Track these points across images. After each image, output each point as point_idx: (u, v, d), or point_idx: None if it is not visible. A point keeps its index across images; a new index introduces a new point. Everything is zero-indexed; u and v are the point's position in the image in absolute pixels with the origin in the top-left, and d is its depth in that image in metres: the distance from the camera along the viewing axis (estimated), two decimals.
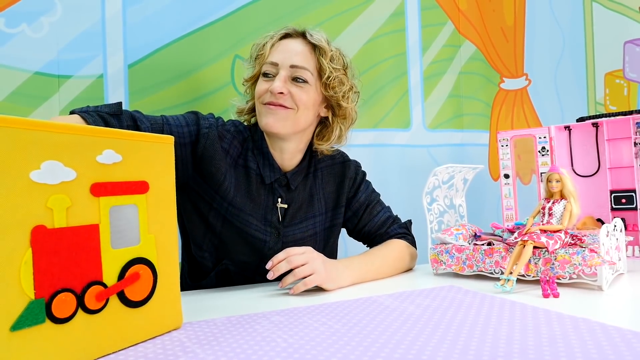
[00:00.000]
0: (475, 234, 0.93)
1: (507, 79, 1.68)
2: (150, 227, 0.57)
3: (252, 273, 0.96)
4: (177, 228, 0.62)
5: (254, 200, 0.94)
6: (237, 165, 0.94)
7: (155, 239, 0.58)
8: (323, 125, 1.01)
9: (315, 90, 0.93)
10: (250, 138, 0.97)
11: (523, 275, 0.78)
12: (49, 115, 1.12)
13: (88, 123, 0.78)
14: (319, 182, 1.02)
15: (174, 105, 1.24)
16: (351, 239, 1.13)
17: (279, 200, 0.96)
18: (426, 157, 1.53)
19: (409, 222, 1.05)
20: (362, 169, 1.11)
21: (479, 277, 0.86)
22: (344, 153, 1.09)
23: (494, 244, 0.85)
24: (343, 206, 1.03)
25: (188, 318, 0.65)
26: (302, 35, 0.96)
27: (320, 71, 0.93)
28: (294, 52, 0.92)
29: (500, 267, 0.81)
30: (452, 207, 1.00)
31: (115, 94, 1.19)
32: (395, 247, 0.96)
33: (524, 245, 0.76)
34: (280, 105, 0.90)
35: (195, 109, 1.26)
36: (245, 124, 1.02)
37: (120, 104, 0.86)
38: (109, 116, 0.82)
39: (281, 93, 0.89)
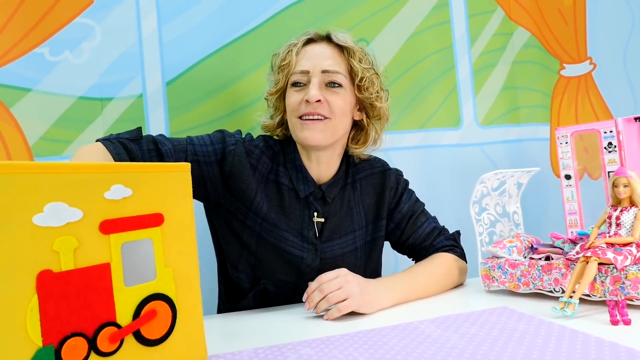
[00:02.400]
0: (532, 246, 0.84)
1: (568, 64, 1.53)
2: (167, 260, 0.55)
3: (291, 292, 0.92)
4: (197, 257, 0.59)
5: (289, 215, 0.91)
6: (268, 181, 0.91)
7: (173, 272, 0.55)
8: (357, 129, 0.96)
9: (350, 94, 0.90)
10: (280, 152, 0.94)
11: (588, 295, 0.69)
12: (93, 138, 1.15)
13: (109, 150, 0.78)
14: (358, 194, 0.97)
15: (213, 120, 1.23)
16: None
17: (315, 214, 0.92)
18: (480, 156, 1.43)
19: (457, 233, 0.97)
20: (405, 177, 1.05)
21: (537, 295, 0.77)
22: (384, 161, 1.03)
23: (552, 259, 0.76)
24: (384, 218, 0.97)
25: (215, 348, 0.63)
26: (327, 38, 0.91)
27: (352, 73, 0.89)
28: (323, 57, 0.88)
29: (561, 285, 0.72)
30: (506, 215, 0.91)
31: (155, 112, 1.20)
32: (442, 262, 0.89)
33: (587, 262, 0.67)
34: (318, 115, 0.86)
35: (234, 121, 1.26)
36: (275, 137, 0.99)
37: (139, 129, 0.86)
38: (129, 141, 0.81)
39: (319, 101, 0.85)
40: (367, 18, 1.33)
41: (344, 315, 0.75)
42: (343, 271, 0.78)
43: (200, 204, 0.99)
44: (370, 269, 0.99)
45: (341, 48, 0.89)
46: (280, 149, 0.95)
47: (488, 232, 0.86)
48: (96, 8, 1.16)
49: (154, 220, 0.54)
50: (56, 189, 0.45)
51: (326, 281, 0.76)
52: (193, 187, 0.87)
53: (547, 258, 0.77)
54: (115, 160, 0.78)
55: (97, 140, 0.82)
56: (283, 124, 0.96)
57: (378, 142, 0.98)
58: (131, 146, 0.81)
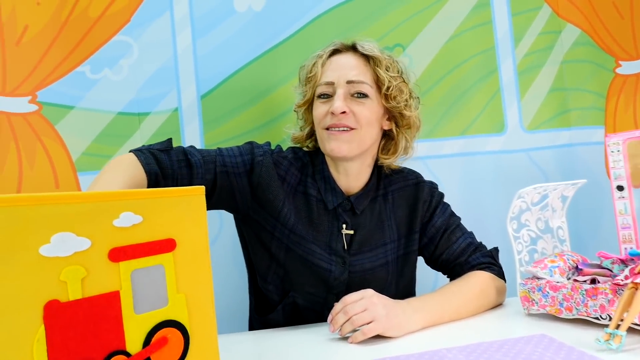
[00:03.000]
0: (577, 266, 0.77)
1: (625, 61, 1.42)
2: (180, 286, 0.54)
3: (320, 307, 0.91)
4: (212, 282, 0.58)
5: (317, 228, 0.89)
6: (297, 192, 0.91)
7: (186, 298, 0.55)
8: (387, 139, 0.94)
9: (377, 104, 0.88)
10: (310, 163, 0.94)
11: (637, 324, 0.62)
12: None
13: (140, 160, 0.80)
14: (390, 206, 0.94)
15: (247, 131, 1.24)
16: None
17: (344, 226, 0.90)
18: (526, 163, 1.34)
19: (495, 250, 0.92)
20: (444, 187, 1.01)
21: (582, 321, 0.71)
22: (418, 174, 0.99)
23: (599, 282, 0.69)
24: (417, 232, 0.93)
25: None
26: (352, 48, 0.90)
27: (378, 82, 0.87)
28: (348, 67, 0.87)
29: (608, 312, 0.66)
30: (549, 231, 0.84)
31: (190, 125, 1.21)
32: (477, 281, 0.84)
33: (637, 289, 0.61)
34: (344, 127, 0.85)
35: (268, 132, 1.25)
36: (305, 149, 0.97)
37: (170, 140, 0.87)
38: (160, 152, 0.83)
39: (344, 112, 0.84)
40: (401, 23, 1.29)
41: (370, 338, 0.72)
42: (369, 292, 0.75)
43: (231, 216, 0.99)
44: (403, 285, 0.95)
45: (367, 57, 0.88)
46: (310, 160, 0.94)
47: (528, 249, 0.80)
48: (133, 25, 1.19)
49: (166, 246, 0.53)
50: (63, 219, 0.46)
51: (350, 302, 0.73)
52: (223, 199, 0.91)
53: (593, 281, 0.70)
54: (145, 169, 0.79)
55: (130, 151, 0.84)
56: (312, 135, 0.96)
57: (409, 152, 0.95)
58: (161, 157, 0.82)
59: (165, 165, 0.82)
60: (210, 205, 0.89)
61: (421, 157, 1.29)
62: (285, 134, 1.06)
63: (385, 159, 0.93)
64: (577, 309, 0.69)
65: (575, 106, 1.39)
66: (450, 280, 0.91)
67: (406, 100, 0.89)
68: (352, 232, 0.90)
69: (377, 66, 0.87)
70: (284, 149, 0.98)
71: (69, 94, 1.16)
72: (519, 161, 1.33)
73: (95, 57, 1.17)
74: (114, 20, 1.19)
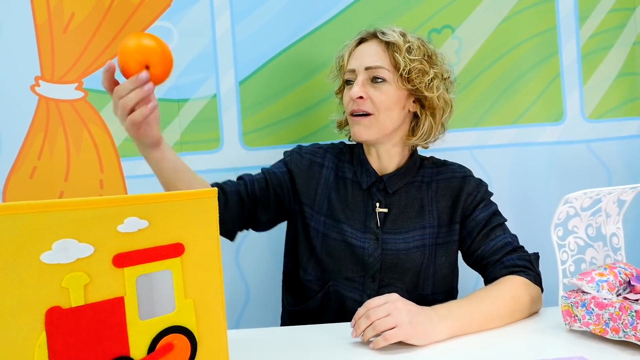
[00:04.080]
0: (630, 281, 0.69)
1: None
2: (188, 291, 0.53)
3: (360, 294, 0.91)
4: (223, 286, 0.56)
5: (352, 208, 0.94)
6: (336, 177, 0.97)
7: (194, 304, 0.54)
8: (417, 120, 0.95)
9: (397, 87, 0.90)
10: (348, 151, 1.01)
11: None
12: (171, 139, 1.19)
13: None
14: (433, 193, 0.94)
15: (285, 118, 1.22)
16: None
17: (377, 205, 0.92)
18: (586, 155, 1.23)
19: (535, 255, 0.85)
20: (493, 179, 1.02)
21: (629, 344, 0.63)
22: (469, 170, 0.97)
23: None
24: (458, 222, 0.91)
25: None
26: (375, 35, 0.93)
27: (396, 66, 0.89)
28: (367, 55, 0.91)
29: None
30: (601, 239, 0.76)
31: (229, 112, 1.21)
32: (510, 287, 0.78)
33: None
34: (362, 113, 0.90)
35: (307, 119, 1.22)
36: (347, 142, 1.04)
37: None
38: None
39: (360, 98, 0.89)
40: (451, 2, 1.20)
41: (393, 344, 0.68)
42: (393, 296, 0.71)
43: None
44: (441, 276, 0.92)
45: (387, 44, 0.91)
46: (348, 149, 1.02)
47: (575, 259, 0.73)
48: (173, 10, 1.18)
49: (174, 250, 0.52)
50: (65, 226, 0.45)
51: (374, 307, 0.70)
52: (274, 201, 0.96)
53: None
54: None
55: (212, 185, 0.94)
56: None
57: (435, 134, 0.95)
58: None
59: (224, 186, 0.94)
60: (268, 217, 0.99)
61: (467, 147, 1.21)
62: (328, 121, 1.09)
63: (410, 139, 0.94)
64: (624, 331, 0.62)
65: None
66: (485, 283, 0.86)
67: (429, 82, 0.90)
68: (385, 210, 0.92)
69: (395, 51, 0.89)
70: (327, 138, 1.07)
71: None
72: (577, 153, 1.22)
73: None
74: (154, 5, 1.19)
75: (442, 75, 0.93)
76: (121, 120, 0.76)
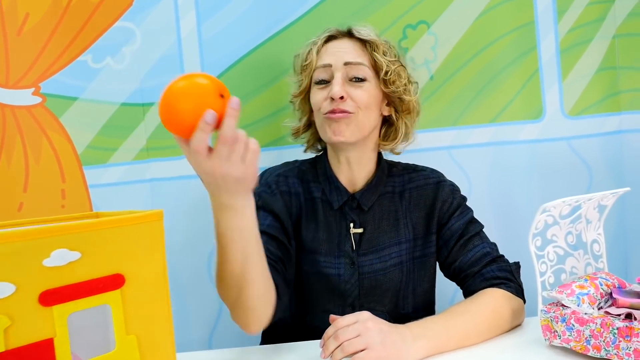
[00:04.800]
0: (611, 293, 0.65)
1: None
2: (130, 327, 0.48)
3: None
4: (172, 318, 0.51)
5: (325, 230, 0.87)
6: (306, 200, 0.89)
7: (137, 340, 0.49)
8: (387, 125, 0.91)
9: (375, 88, 0.85)
10: (309, 170, 0.92)
11: None
12: (137, 145, 1.13)
13: None
14: (406, 204, 0.88)
15: (257, 120, 1.16)
16: None
17: (352, 225, 0.85)
18: (567, 153, 1.19)
19: (516, 265, 0.81)
20: (472, 180, 0.97)
21: None
22: (441, 174, 0.92)
23: (635, 318, 0.58)
24: (434, 233, 0.87)
25: None
26: (348, 34, 0.87)
27: (376, 67, 0.84)
28: (345, 51, 0.85)
29: None
30: (582, 246, 0.73)
31: None
32: (489, 301, 0.74)
33: None
34: (342, 112, 0.83)
35: (279, 120, 1.16)
36: (306, 147, 0.96)
37: None
38: None
39: (342, 98, 0.82)
40: None
41: None
42: (364, 315, 0.67)
43: None
44: (422, 291, 0.88)
45: (364, 42, 0.85)
46: (309, 166, 0.93)
47: (554, 270, 0.69)
48: (135, 10, 1.12)
49: (112, 282, 0.47)
50: None
51: (343, 326, 0.65)
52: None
53: (629, 316, 0.59)
54: None
55: None
56: (310, 125, 0.94)
57: (410, 138, 0.93)
58: None
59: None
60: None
61: (445, 146, 1.17)
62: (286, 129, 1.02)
63: (386, 145, 0.91)
64: (606, 349, 0.58)
65: (628, 87, 1.21)
66: (464, 295, 0.82)
67: (405, 85, 0.87)
68: (360, 230, 0.86)
69: (374, 50, 0.85)
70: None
71: (71, 85, 1.12)
72: (558, 151, 1.19)
73: (97, 45, 1.13)
74: (115, 4, 1.12)
75: (410, 78, 0.90)
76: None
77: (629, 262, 1.10)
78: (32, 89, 1.12)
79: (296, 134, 0.96)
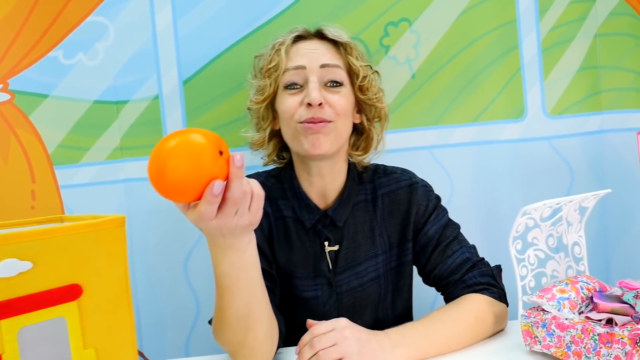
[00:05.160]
0: (592, 297, 0.64)
1: None
2: (88, 340, 0.45)
3: None
4: (134, 329, 0.48)
5: (299, 251, 0.81)
6: (276, 220, 0.83)
7: (96, 354, 0.46)
8: (356, 133, 0.86)
9: (351, 94, 0.80)
10: (275, 186, 0.85)
11: None
12: (111, 144, 1.10)
13: None
14: (380, 212, 0.83)
15: (234, 120, 1.13)
16: None
17: (326, 243, 0.80)
18: (549, 153, 1.19)
19: (497, 268, 0.80)
20: (454, 180, 0.95)
21: None
22: (412, 174, 0.88)
23: (616, 324, 0.57)
24: (410, 240, 0.83)
25: None
26: (319, 34, 0.81)
27: (350, 72, 0.78)
28: (319, 52, 0.78)
29: None
30: (562, 249, 0.71)
31: (173, 114, 1.12)
32: (471, 307, 0.72)
33: None
34: (321, 120, 0.75)
35: None
36: (266, 161, 0.88)
37: None
38: None
39: (321, 104, 0.75)
40: None
41: None
42: (341, 323, 0.65)
43: None
44: (401, 301, 0.85)
45: (337, 44, 0.79)
46: (275, 181, 0.86)
47: (535, 273, 0.68)
48: (108, 4, 1.09)
49: (68, 293, 0.44)
50: None
51: (319, 334, 0.63)
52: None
53: (609, 321, 0.58)
54: None
55: None
56: (275, 135, 0.86)
57: (381, 146, 0.88)
58: None
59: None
60: None
61: (427, 146, 1.15)
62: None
63: (358, 156, 0.84)
64: (587, 356, 0.57)
65: (609, 87, 1.21)
66: (445, 301, 0.80)
67: (377, 92, 0.83)
68: (336, 248, 0.81)
69: (349, 54, 0.79)
70: None
71: (42, 82, 1.08)
72: (540, 151, 1.18)
73: (68, 41, 1.09)
74: None
75: (380, 85, 0.86)
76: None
77: (610, 263, 1.09)
78: (0, 86, 1.08)
79: (260, 144, 0.87)
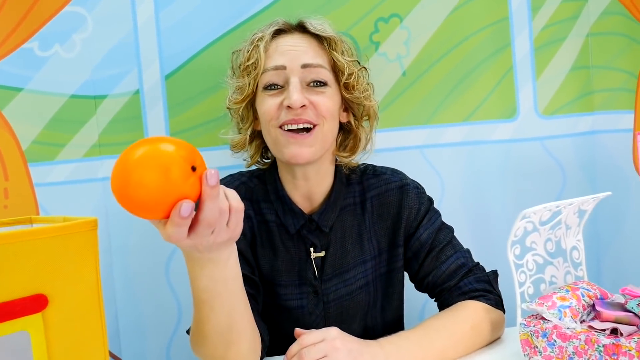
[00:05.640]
0: (594, 305, 0.61)
1: None
2: (54, 356, 0.41)
3: None
4: (106, 343, 0.44)
5: (283, 257, 0.77)
6: (259, 224, 0.78)
7: None
8: (344, 133, 0.81)
9: (336, 93, 0.75)
10: (258, 187, 0.81)
11: None
12: (88, 141, 1.05)
13: None
14: (369, 215, 0.80)
15: (219, 116, 1.09)
16: None
17: (312, 249, 0.77)
18: (541, 154, 1.17)
19: (493, 273, 0.77)
20: (445, 180, 0.92)
21: None
22: (403, 175, 0.84)
23: (622, 334, 0.54)
24: (401, 245, 0.79)
25: None
26: (300, 28, 0.75)
27: (335, 69, 0.73)
28: (301, 49, 0.73)
29: None
30: (561, 254, 0.69)
31: (154, 109, 1.08)
32: (467, 315, 0.69)
33: None
34: (304, 123, 0.71)
35: None
36: (249, 162, 0.84)
37: None
38: None
39: (303, 106, 0.70)
40: None
41: None
42: (332, 333, 0.61)
43: None
44: (391, 309, 0.82)
45: (320, 38, 0.74)
46: (258, 182, 0.81)
47: (534, 279, 0.65)
48: None
49: (32, 304, 0.40)
50: None
51: (308, 345, 0.60)
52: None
53: (614, 331, 0.55)
54: None
55: None
56: (256, 137, 0.81)
57: (369, 146, 0.83)
58: None
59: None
60: None
61: (418, 146, 1.13)
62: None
63: (345, 157, 0.80)
64: None
65: (601, 87, 1.19)
66: (439, 308, 0.77)
67: (365, 89, 0.78)
68: (322, 254, 0.77)
69: (333, 49, 0.74)
70: None
71: (15, 74, 1.03)
72: (532, 151, 1.16)
73: (44, 32, 1.04)
74: None
75: (369, 81, 0.82)
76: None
77: (601, 266, 1.08)
78: None
79: (241, 146, 0.82)
